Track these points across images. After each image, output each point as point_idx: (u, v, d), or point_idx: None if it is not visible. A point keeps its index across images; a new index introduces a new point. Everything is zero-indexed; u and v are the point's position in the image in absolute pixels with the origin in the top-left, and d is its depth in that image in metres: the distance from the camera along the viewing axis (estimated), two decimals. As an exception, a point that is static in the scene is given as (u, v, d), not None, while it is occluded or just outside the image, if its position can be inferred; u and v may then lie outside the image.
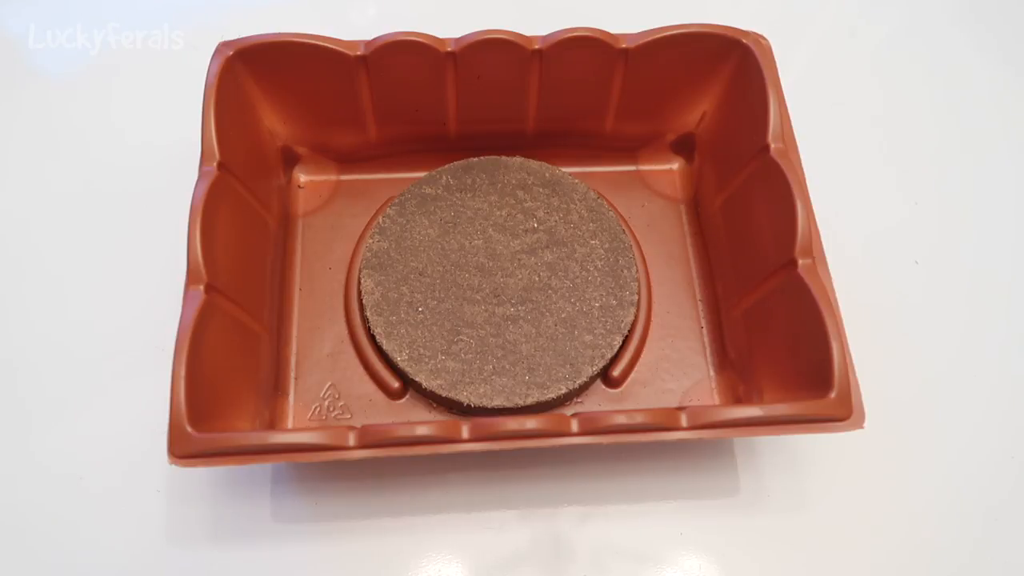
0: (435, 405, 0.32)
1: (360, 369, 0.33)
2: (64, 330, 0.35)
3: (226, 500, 0.32)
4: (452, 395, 0.31)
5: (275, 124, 0.35)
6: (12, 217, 0.37)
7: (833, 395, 0.27)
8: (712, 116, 0.36)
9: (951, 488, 0.33)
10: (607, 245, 0.34)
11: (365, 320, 0.33)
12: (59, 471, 0.32)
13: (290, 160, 0.37)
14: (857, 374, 0.28)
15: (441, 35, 0.32)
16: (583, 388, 0.32)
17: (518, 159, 0.36)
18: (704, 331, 0.35)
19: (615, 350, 0.32)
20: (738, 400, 0.32)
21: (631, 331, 0.33)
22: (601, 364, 0.32)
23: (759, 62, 0.32)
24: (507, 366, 0.32)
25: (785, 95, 0.32)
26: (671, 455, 0.33)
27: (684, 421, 0.27)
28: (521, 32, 0.32)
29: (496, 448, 0.26)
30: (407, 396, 0.33)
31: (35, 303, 0.35)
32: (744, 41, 0.33)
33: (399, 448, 0.26)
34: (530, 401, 0.31)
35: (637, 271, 0.34)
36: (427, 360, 0.31)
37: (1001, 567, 0.32)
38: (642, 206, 0.38)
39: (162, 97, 0.41)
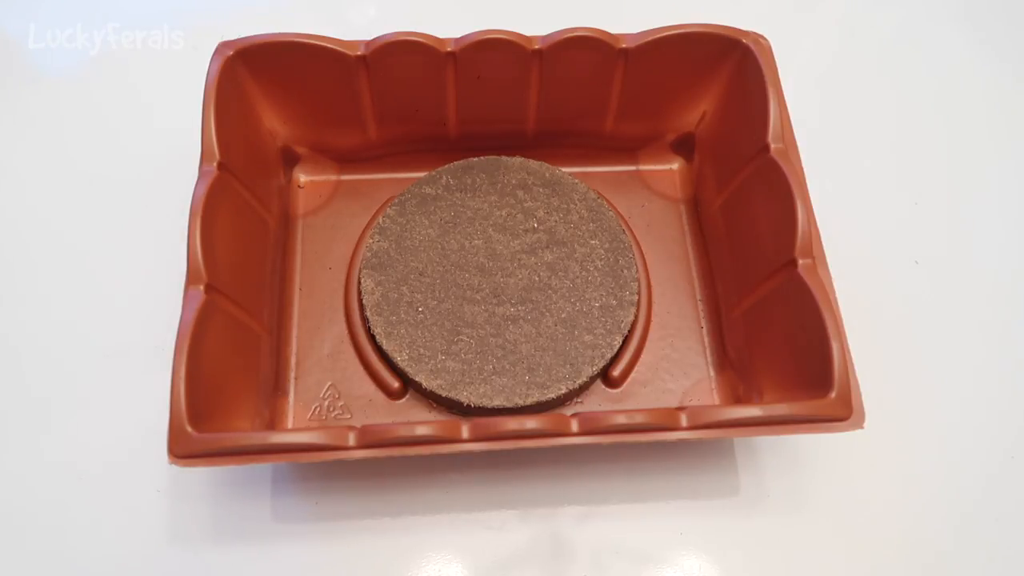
0: (435, 405, 0.32)
1: (360, 369, 0.33)
2: (64, 330, 0.35)
3: (226, 500, 0.32)
4: (452, 395, 0.31)
5: (275, 124, 0.35)
6: (12, 217, 0.37)
7: (833, 395, 0.27)
8: (712, 116, 0.36)
9: (951, 488, 0.33)
10: (607, 245, 0.34)
11: (365, 320, 0.33)
12: (59, 471, 0.32)
13: (290, 160, 0.37)
14: (857, 374, 0.28)
15: (441, 35, 0.32)
16: (583, 388, 0.32)
17: (518, 159, 0.36)
18: (704, 331, 0.35)
19: (615, 350, 0.32)
20: (738, 400, 0.32)
21: (631, 331, 0.33)
22: (601, 364, 0.32)
23: (759, 62, 0.32)
24: (507, 366, 0.32)
25: (785, 95, 0.32)
26: (671, 455, 0.33)
27: (684, 421, 0.27)
28: (521, 32, 0.32)
29: (496, 448, 0.26)
30: (407, 396, 0.33)
31: (34, 303, 0.35)
32: (744, 41, 0.33)
33: (399, 448, 0.26)
34: (530, 401, 0.31)
35: (637, 271, 0.34)
36: (427, 360, 0.31)
37: (1001, 567, 0.32)
38: (642, 206, 0.38)
39: (162, 97, 0.41)
